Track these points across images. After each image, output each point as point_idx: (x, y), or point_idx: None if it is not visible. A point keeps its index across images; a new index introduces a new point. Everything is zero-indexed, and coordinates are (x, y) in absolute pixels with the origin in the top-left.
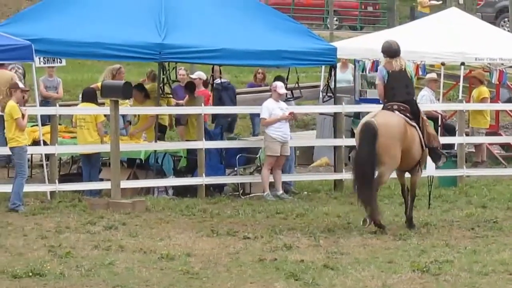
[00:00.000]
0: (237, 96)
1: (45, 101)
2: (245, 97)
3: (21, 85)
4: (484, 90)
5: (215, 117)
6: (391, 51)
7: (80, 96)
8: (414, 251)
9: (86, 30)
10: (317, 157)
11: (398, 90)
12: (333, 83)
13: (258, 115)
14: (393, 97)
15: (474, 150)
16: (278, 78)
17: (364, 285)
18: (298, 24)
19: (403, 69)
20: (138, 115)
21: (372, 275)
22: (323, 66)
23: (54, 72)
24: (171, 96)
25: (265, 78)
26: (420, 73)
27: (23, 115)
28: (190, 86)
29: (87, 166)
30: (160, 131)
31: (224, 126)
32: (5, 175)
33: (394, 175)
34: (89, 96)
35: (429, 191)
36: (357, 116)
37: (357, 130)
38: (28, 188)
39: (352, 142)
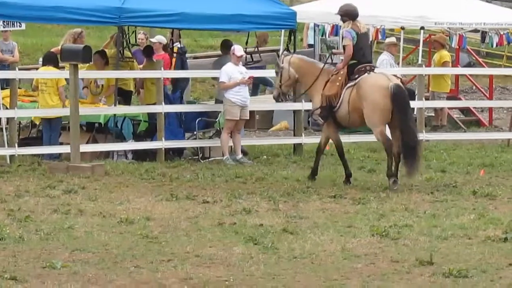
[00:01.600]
0: (197, 59)
1: (2, 65)
2: (204, 61)
3: None
4: (445, 54)
5: (173, 81)
6: (354, 13)
7: (41, 60)
8: (374, 215)
9: None
10: (276, 121)
11: (366, 50)
12: (292, 47)
13: None
14: (362, 57)
15: (433, 115)
16: (225, 42)
17: (323, 249)
18: None
19: (367, 31)
20: (102, 85)
21: (331, 239)
22: (283, 30)
23: (9, 35)
24: (133, 60)
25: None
26: (380, 37)
27: None
28: (148, 50)
29: (47, 130)
30: (125, 96)
31: (183, 90)
32: None
33: (352, 139)
34: (50, 60)
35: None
36: None
37: (385, 93)
38: None
39: (311, 106)
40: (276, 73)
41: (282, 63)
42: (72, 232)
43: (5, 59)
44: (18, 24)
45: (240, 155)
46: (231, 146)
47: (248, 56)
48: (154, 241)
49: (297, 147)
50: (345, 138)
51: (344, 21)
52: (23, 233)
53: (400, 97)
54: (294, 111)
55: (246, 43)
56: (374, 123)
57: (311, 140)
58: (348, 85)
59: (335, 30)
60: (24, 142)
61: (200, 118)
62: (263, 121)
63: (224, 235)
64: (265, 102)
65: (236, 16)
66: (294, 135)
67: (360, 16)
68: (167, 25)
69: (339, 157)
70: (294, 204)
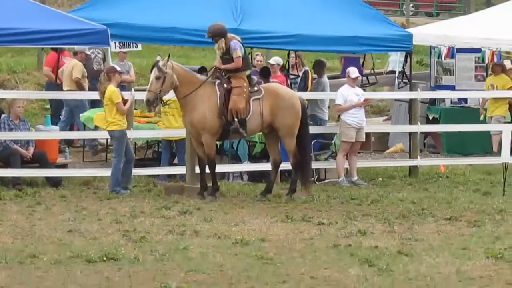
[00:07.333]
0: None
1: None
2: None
3: (118, 68)
4: None
5: None
6: (224, 31)
7: None
8: (489, 238)
9: (162, 15)
10: (392, 143)
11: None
12: (408, 69)
13: None
14: (249, 67)
15: None
16: (318, 62)
17: (438, 271)
18: (374, 10)
19: None
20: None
21: (446, 261)
22: (399, 52)
23: (125, 56)
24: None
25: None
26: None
27: (123, 99)
28: (265, 72)
29: (167, 151)
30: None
31: None
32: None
33: (467, 161)
34: None
35: (503, 178)
36: (433, 102)
37: (298, 108)
38: (103, 172)
39: (427, 128)
40: (158, 78)
41: (166, 68)
42: (187, 253)
43: (123, 79)
44: (134, 45)
45: (356, 177)
46: (347, 168)
47: (364, 78)
48: (269, 262)
49: (412, 169)
50: (460, 161)
51: (216, 41)
52: (138, 253)
53: (305, 108)
54: (410, 133)
55: (362, 65)
56: (293, 133)
57: (426, 162)
58: (255, 97)
59: (451, 52)
60: (140, 163)
61: (315, 140)
62: (378, 143)
63: (339, 257)
64: (381, 124)
65: (352, 38)
66: (410, 157)
67: (475, 39)
68: (283, 46)
69: (200, 171)
70: (409, 226)
